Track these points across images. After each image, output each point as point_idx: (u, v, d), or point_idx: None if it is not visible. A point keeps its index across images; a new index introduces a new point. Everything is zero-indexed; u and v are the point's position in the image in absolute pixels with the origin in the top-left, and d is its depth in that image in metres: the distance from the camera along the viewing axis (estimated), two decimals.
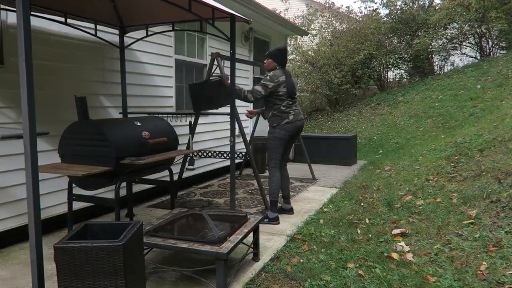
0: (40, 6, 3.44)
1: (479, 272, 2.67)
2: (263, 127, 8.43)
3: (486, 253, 2.86)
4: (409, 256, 3.08)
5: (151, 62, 5.07)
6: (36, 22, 3.62)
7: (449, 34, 14.11)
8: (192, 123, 4.94)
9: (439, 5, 14.02)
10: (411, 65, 15.04)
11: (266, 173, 7.05)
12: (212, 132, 6.47)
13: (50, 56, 3.82)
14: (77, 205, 4.00)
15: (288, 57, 6.46)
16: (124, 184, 4.29)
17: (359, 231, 3.74)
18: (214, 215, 3.22)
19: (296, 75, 15.90)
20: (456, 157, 5.03)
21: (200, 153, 5.37)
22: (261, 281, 2.81)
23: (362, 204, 4.66)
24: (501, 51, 13.65)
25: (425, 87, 12.39)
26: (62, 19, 3.73)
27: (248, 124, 7.74)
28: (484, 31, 13.42)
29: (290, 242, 3.59)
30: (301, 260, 3.16)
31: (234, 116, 3.78)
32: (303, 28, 12.70)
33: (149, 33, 4.44)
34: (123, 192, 4.42)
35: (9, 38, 3.43)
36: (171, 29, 4.39)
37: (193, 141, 5.09)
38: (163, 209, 4.68)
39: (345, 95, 15.05)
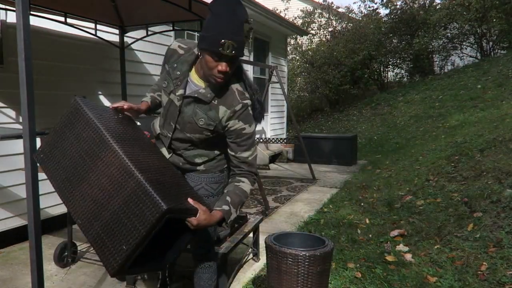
0: (40, 6, 3.43)
1: (479, 272, 2.67)
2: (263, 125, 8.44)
3: (487, 253, 2.86)
4: (409, 257, 3.07)
5: (151, 62, 5.07)
6: (36, 21, 3.62)
7: (449, 34, 14.11)
8: None
9: (439, 5, 14.02)
10: (411, 65, 15.05)
11: (267, 173, 7.06)
12: None
13: (50, 56, 3.81)
14: None
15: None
16: None
17: (359, 231, 3.74)
18: None
19: (295, 75, 15.88)
20: (456, 157, 5.02)
21: None
22: (261, 281, 2.81)
23: (362, 204, 4.65)
24: (502, 51, 13.65)
25: (425, 87, 12.39)
26: (62, 19, 3.72)
27: None
28: (485, 31, 13.42)
29: None
30: None
31: None
32: (303, 28, 12.70)
33: (149, 33, 4.44)
34: None
35: (9, 38, 3.43)
36: (171, 29, 4.39)
37: None
38: None
39: (345, 95, 15.07)
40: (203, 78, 1.75)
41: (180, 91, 1.78)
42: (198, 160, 1.88)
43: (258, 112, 1.85)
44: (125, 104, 1.82)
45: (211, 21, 1.61)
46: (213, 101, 1.74)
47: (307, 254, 2.10)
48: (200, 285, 2.09)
